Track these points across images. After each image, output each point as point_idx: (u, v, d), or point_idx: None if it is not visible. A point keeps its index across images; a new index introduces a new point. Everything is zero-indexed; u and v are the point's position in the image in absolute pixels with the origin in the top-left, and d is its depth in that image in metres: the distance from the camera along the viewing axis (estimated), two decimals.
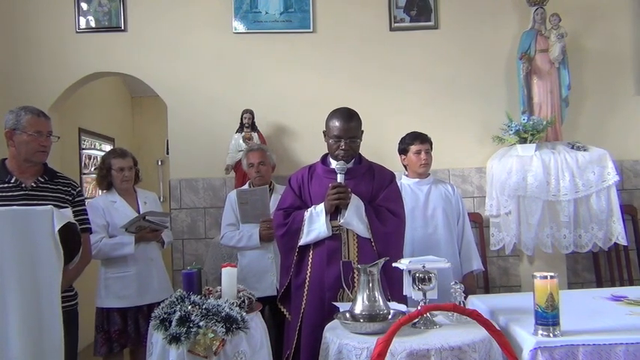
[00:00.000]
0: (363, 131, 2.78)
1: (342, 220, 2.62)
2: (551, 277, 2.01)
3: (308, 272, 2.68)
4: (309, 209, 2.69)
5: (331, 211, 2.64)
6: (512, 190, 4.02)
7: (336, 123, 2.70)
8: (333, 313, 2.43)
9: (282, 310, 2.78)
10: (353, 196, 2.65)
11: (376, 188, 2.76)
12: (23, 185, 2.56)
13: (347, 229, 2.65)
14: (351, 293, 2.53)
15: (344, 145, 2.69)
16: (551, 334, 2.00)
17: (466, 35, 4.46)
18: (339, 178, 2.66)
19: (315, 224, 2.64)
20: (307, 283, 2.67)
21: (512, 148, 4.20)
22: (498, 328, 1.86)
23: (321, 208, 2.65)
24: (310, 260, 2.68)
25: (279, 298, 2.78)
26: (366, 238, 2.64)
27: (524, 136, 4.11)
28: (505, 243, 4.13)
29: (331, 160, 2.80)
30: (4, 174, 2.56)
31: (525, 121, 4.12)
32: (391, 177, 2.85)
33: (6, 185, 2.53)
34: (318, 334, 2.49)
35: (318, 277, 2.64)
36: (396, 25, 4.47)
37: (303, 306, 2.65)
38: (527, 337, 2.05)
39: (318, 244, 2.67)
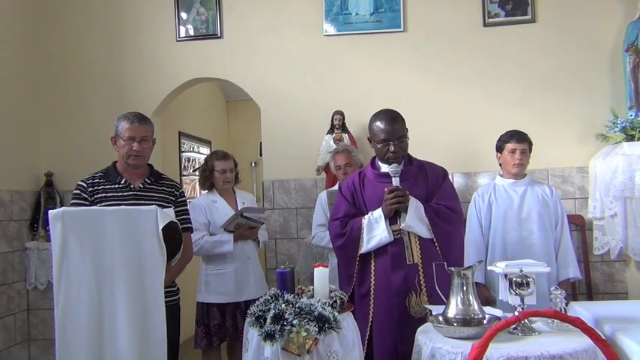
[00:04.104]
0: (407, 129, 2.73)
1: (403, 224, 2.59)
2: None
3: (372, 280, 2.65)
4: (365, 216, 2.65)
5: (390, 215, 2.60)
6: (618, 191, 3.77)
7: (381, 127, 2.66)
8: (403, 319, 2.46)
9: None
10: (411, 198, 2.60)
11: (431, 187, 2.71)
12: (132, 186, 2.72)
13: (408, 232, 2.61)
14: (419, 297, 2.52)
15: (393, 147, 2.65)
16: None
17: (566, 28, 4.24)
18: (395, 181, 2.61)
19: (375, 231, 2.60)
20: (373, 291, 2.64)
21: (617, 146, 3.94)
22: (604, 338, 1.76)
23: (379, 213, 2.61)
24: (373, 267, 2.66)
25: None
26: (428, 239, 2.60)
27: (631, 133, 3.86)
28: (610, 247, 3.90)
29: (381, 164, 2.76)
30: (115, 175, 2.74)
31: (633, 117, 3.88)
32: (444, 173, 2.79)
33: (117, 186, 2.71)
34: (391, 341, 2.51)
35: (383, 283, 2.61)
36: (490, 20, 4.32)
37: (371, 314, 2.63)
38: (637, 348, 1.93)
39: (379, 250, 2.63)
